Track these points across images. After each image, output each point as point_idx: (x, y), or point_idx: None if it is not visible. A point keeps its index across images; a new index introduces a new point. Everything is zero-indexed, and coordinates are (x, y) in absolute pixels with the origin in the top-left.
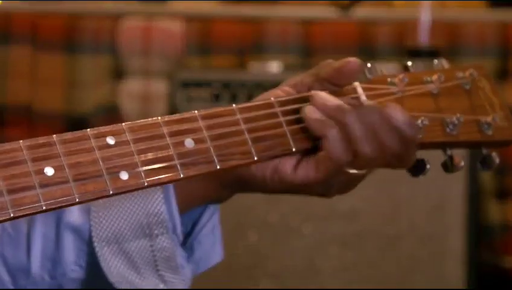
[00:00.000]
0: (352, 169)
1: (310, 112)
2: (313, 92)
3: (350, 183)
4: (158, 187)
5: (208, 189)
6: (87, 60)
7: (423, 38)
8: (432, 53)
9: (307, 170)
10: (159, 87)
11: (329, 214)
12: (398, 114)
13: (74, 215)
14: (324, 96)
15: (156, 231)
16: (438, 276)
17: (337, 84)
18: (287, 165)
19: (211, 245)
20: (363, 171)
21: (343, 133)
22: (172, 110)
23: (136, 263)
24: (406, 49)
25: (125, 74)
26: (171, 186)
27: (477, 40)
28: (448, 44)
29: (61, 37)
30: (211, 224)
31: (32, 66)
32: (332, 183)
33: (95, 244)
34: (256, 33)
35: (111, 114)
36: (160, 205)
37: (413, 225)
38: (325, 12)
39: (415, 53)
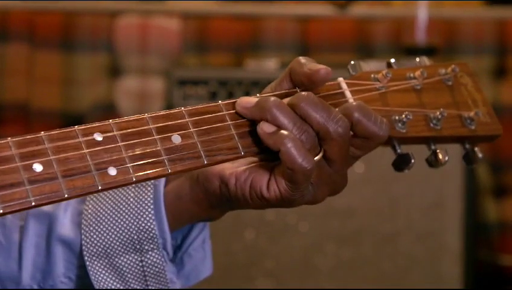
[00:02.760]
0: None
1: (262, 127)
2: (242, 98)
3: (329, 180)
4: (149, 203)
5: (197, 209)
6: (84, 58)
7: (420, 36)
8: (429, 51)
9: (278, 186)
10: (156, 85)
11: (326, 212)
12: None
13: (65, 228)
14: (247, 98)
15: (146, 247)
16: (435, 274)
17: (309, 88)
18: (262, 182)
19: (201, 259)
20: (318, 157)
21: (297, 141)
22: (169, 108)
23: (126, 278)
24: (403, 47)
25: (122, 71)
26: (162, 203)
27: (475, 38)
28: (446, 42)
29: (58, 34)
30: (201, 238)
31: (29, 64)
32: (309, 189)
33: (86, 258)
34: (253, 31)
35: (108, 112)
36: (151, 221)
37: (410, 222)
38: (322, 10)
39: (412, 51)
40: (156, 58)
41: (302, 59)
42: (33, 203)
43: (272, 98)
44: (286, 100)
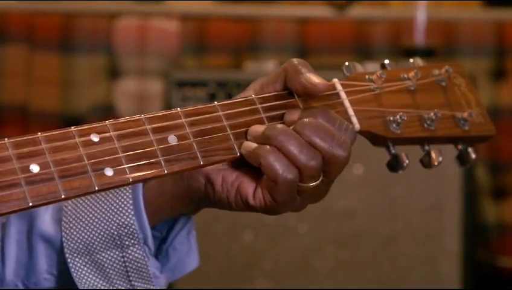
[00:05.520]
0: (305, 183)
1: (244, 146)
2: (252, 127)
3: (316, 193)
4: (128, 199)
5: (178, 205)
6: (82, 60)
7: (419, 37)
8: (427, 52)
9: (263, 196)
10: (155, 87)
11: (325, 214)
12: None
13: (46, 224)
14: (256, 127)
15: (126, 242)
16: (434, 275)
17: (304, 96)
18: (248, 189)
19: (186, 252)
20: (318, 182)
21: (278, 154)
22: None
23: (108, 274)
24: (402, 49)
25: (120, 73)
26: (141, 198)
27: (473, 40)
28: (444, 43)
29: (56, 36)
30: (186, 230)
31: (27, 66)
32: (295, 200)
33: (67, 255)
34: (252, 32)
35: (106, 114)
36: (130, 216)
37: (409, 224)
38: (321, 11)
39: (411, 52)
40: (154, 59)
41: (297, 64)
42: (30, 204)
43: (278, 126)
44: (291, 128)
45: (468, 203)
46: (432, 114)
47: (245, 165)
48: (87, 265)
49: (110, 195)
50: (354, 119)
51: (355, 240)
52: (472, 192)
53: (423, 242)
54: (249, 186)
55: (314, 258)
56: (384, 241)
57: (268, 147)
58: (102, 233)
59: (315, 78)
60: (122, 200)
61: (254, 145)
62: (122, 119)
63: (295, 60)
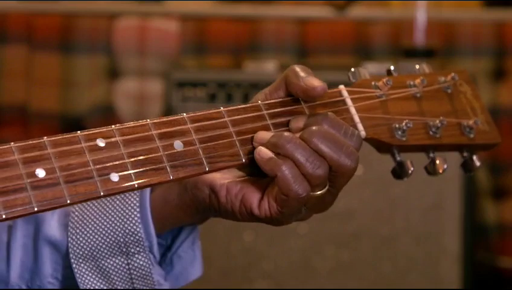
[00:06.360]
0: (311, 192)
1: (261, 153)
2: (258, 133)
3: (321, 203)
4: (135, 207)
5: (182, 215)
6: (82, 60)
7: (419, 38)
8: (427, 53)
9: (269, 207)
10: (155, 87)
11: (325, 214)
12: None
13: (52, 229)
14: (262, 134)
15: (132, 250)
16: (434, 276)
17: (305, 100)
18: (252, 200)
19: (190, 261)
20: (324, 191)
21: (295, 169)
22: (168, 110)
23: (113, 280)
24: (402, 49)
25: (120, 73)
26: (148, 207)
27: (473, 40)
28: (444, 44)
29: (56, 36)
30: (191, 239)
31: (27, 66)
32: (300, 211)
33: (72, 260)
34: (252, 33)
35: (106, 114)
36: (137, 224)
37: (409, 224)
38: (321, 12)
39: (411, 53)
40: (154, 60)
41: (298, 69)
42: (36, 209)
43: (285, 134)
44: (298, 135)
45: (468, 204)
46: (437, 122)
47: (249, 174)
48: (92, 271)
49: (117, 202)
50: (360, 127)
51: (355, 240)
52: (472, 192)
53: (423, 242)
54: (253, 197)
55: (314, 259)
56: (384, 241)
57: (286, 160)
58: (108, 240)
59: (314, 81)
60: (130, 207)
61: (271, 154)
62: (128, 124)
63: (295, 66)
